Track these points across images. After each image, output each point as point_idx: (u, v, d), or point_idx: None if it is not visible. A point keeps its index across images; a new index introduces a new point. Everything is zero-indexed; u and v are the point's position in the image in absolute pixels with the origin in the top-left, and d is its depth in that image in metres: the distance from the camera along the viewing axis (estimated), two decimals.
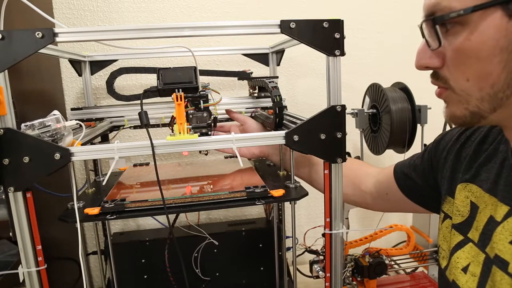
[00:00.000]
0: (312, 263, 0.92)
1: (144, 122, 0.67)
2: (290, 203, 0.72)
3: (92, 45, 1.07)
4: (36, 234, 0.59)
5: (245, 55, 1.03)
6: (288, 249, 0.94)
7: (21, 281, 0.59)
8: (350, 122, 0.91)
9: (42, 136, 0.58)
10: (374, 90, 1.06)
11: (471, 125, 0.56)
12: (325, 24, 0.61)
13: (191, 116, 0.71)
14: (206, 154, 1.06)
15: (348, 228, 1.06)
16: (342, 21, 0.61)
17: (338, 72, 0.63)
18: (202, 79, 0.81)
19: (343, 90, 0.64)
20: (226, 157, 1.04)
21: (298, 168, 0.82)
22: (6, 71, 0.54)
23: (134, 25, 0.86)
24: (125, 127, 0.91)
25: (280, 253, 0.92)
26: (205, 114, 0.71)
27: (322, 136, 0.64)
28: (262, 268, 0.96)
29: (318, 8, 1.19)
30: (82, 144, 0.65)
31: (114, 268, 0.84)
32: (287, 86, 1.22)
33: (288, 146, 0.65)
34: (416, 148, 0.93)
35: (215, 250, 0.91)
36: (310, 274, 0.93)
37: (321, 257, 0.90)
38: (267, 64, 1.03)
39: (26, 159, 0.56)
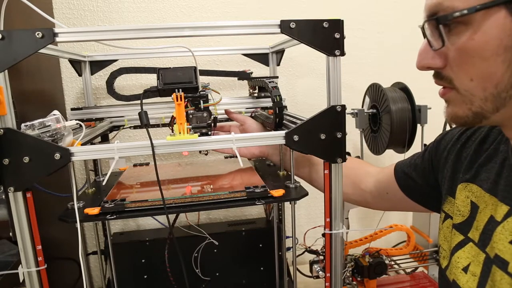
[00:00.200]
0: (312, 263, 0.92)
1: (144, 122, 0.67)
2: (290, 203, 0.72)
3: (92, 45, 1.07)
4: (36, 234, 0.59)
5: (245, 55, 1.03)
6: (288, 249, 0.94)
7: (21, 281, 0.59)
8: (350, 122, 0.91)
9: (42, 136, 0.58)
10: (374, 90, 1.06)
11: (472, 126, 0.56)
12: (325, 24, 0.61)
13: (191, 116, 0.71)
14: (206, 154, 1.06)
15: (348, 228, 1.06)
16: (342, 21, 0.61)
17: (338, 72, 0.63)
18: (202, 79, 0.81)
19: (343, 90, 0.64)
20: (226, 157, 1.04)
21: (298, 168, 0.82)
22: (6, 71, 0.54)
23: (134, 25, 0.86)
24: (125, 127, 0.91)
25: (280, 253, 0.92)
26: (205, 114, 0.71)
27: (322, 136, 0.64)
28: (262, 268, 0.96)
29: (318, 8, 1.19)
30: (82, 144, 0.65)
31: (114, 268, 0.84)
32: (287, 86, 1.22)
33: (288, 146, 0.65)
34: (416, 148, 0.93)
35: (215, 250, 0.91)
36: (310, 274, 0.93)
37: (321, 257, 0.90)
38: (267, 64, 1.03)
39: (26, 159, 0.56)
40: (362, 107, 1.12)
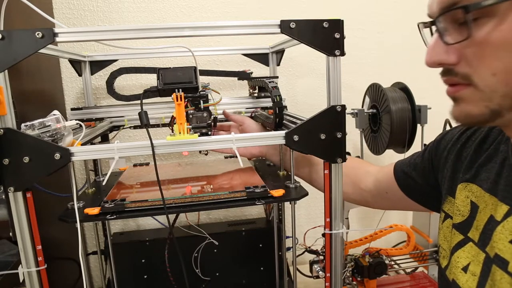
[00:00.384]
0: (312, 263, 0.92)
1: (144, 122, 0.67)
2: (290, 203, 0.72)
3: (92, 45, 1.07)
4: (36, 234, 0.59)
5: (245, 55, 1.03)
6: (288, 249, 0.94)
7: (21, 281, 0.59)
8: (350, 122, 0.91)
9: (42, 136, 0.58)
10: (374, 90, 1.06)
11: (484, 125, 0.53)
12: (325, 24, 0.61)
13: (191, 116, 0.71)
14: (206, 154, 1.06)
15: (348, 228, 1.06)
16: (342, 21, 0.61)
17: (338, 72, 0.63)
18: (202, 79, 0.81)
19: (343, 90, 0.64)
20: (226, 157, 1.04)
21: (298, 168, 0.82)
22: (6, 71, 0.54)
23: (134, 25, 0.86)
24: (125, 127, 0.91)
25: (280, 253, 0.92)
26: (205, 114, 0.71)
27: (322, 136, 0.64)
28: (262, 268, 0.96)
29: (318, 8, 1.19)
30: (82, 144, 0.65)
31: (114, 268, 0.84)
32: (287, 86, 1.22)
33: (288, 146, 0.65)
34: (416, 148, 0.93)
35: (215, 250, 0.91)
36: (310, 274, 0.93)
37: (321, 257, 0.90)
38: (267, 64, 1.03)
39: (26, 159, 0.56)
40: (362, 107, 1.12)
